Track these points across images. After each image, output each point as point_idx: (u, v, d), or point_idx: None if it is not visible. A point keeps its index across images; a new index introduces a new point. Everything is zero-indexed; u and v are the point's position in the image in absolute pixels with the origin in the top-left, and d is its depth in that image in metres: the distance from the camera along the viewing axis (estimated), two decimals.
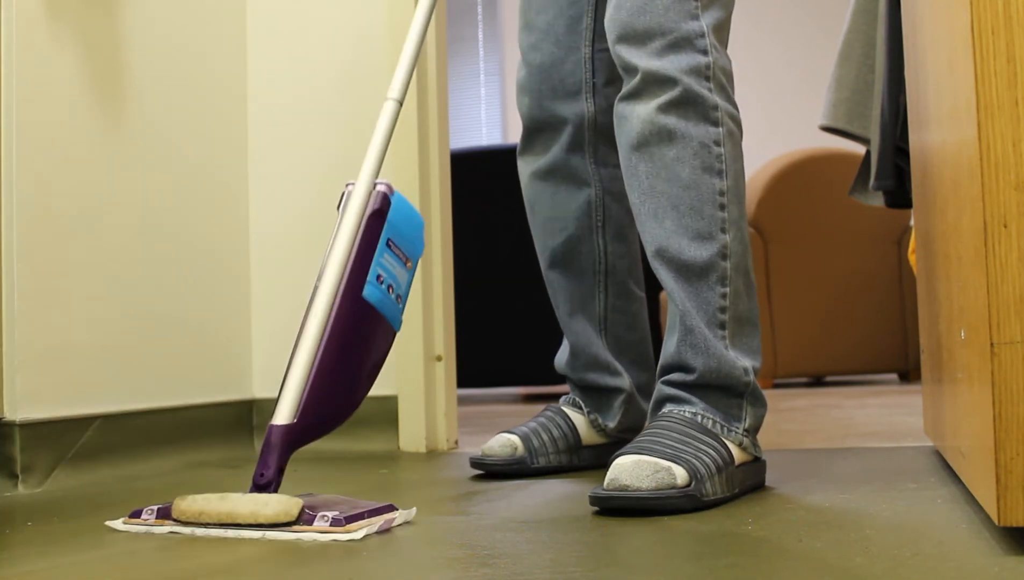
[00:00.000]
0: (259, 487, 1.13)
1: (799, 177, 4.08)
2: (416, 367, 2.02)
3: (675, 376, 1.30)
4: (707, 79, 1.31)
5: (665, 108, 1.30)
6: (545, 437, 1.56)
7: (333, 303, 1.19)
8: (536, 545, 0.99)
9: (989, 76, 0.85)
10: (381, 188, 1.24)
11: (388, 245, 1.23)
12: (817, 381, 4.48)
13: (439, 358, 2.06)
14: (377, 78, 2.10)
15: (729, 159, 1.32)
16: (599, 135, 1.58)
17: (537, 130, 1.60)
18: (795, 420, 2.40)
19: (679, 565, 0.88)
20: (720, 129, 1.32)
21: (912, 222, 2.52)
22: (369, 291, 1.20)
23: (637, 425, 1.61)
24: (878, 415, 2.43)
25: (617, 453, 1.22)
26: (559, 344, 1.69)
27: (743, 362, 1.31)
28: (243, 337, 2.16)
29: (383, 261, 1.22)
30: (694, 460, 1.19)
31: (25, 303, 1.62)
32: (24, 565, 1.00)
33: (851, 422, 2.27)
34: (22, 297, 1.61)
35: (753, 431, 1.31)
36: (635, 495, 1.14)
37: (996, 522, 0.84)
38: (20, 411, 1.60)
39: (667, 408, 1.30)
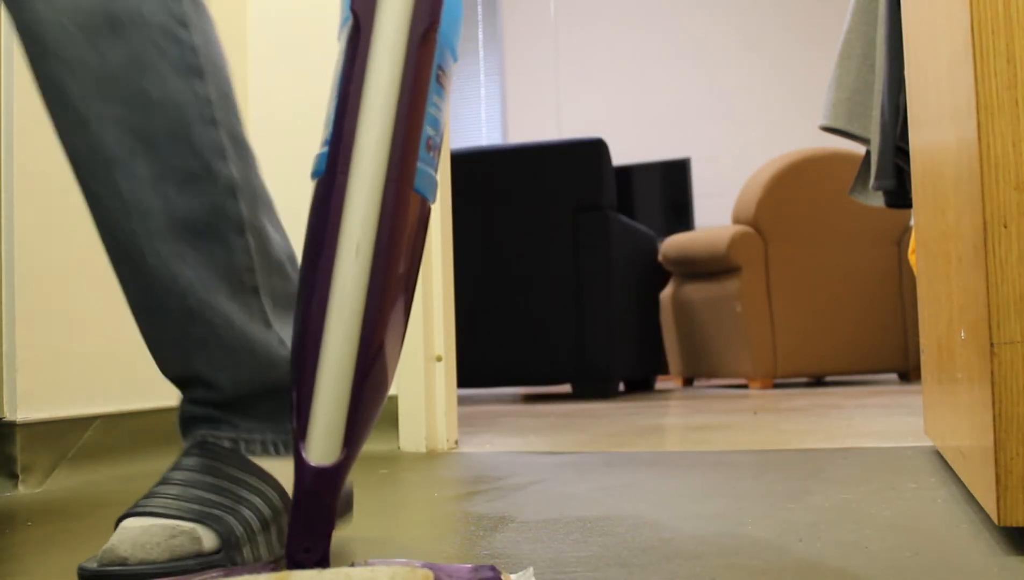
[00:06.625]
0: (300, 565, 0.69)
1: (799, 177, 4.08)
2: (416, 367, 2.02)
3: (199, 393, 0.96)
4: None
5: None
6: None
7: (381, 215, 0.66)
8: (536, 545, 0.99)
9: (989, 76, 0.85)
10: None
11: (437, 76, 0.69)
12: (817, 381, 4.48)
13: (439, 358, 2.06)
14: None
15: (201, 44, 0.88)
16: None
17: None
18: (795, 420, 2.40)
19: (679, 565, 0.88)
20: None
21: (912, 222, 2.52)
22: (420, 178, 0.69)
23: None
24: (878, 415, 2.43)
25: (126, 512, 0.86)
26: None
27: (287, 338, 0.94)
28: None
29: (431, 109, 0.69)
30: (230, 517, 0.86)
31: (25, 303, 1.62)
32: (24, 565, 1.00)
33: (851, 422, 2.27)
34: (22, 297, 1.61)
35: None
36: (136, 571, 0.79)
37: (996, 522, 0.84)
38: (20, 411, 1.60)
39: (200, 432, 0.96)
